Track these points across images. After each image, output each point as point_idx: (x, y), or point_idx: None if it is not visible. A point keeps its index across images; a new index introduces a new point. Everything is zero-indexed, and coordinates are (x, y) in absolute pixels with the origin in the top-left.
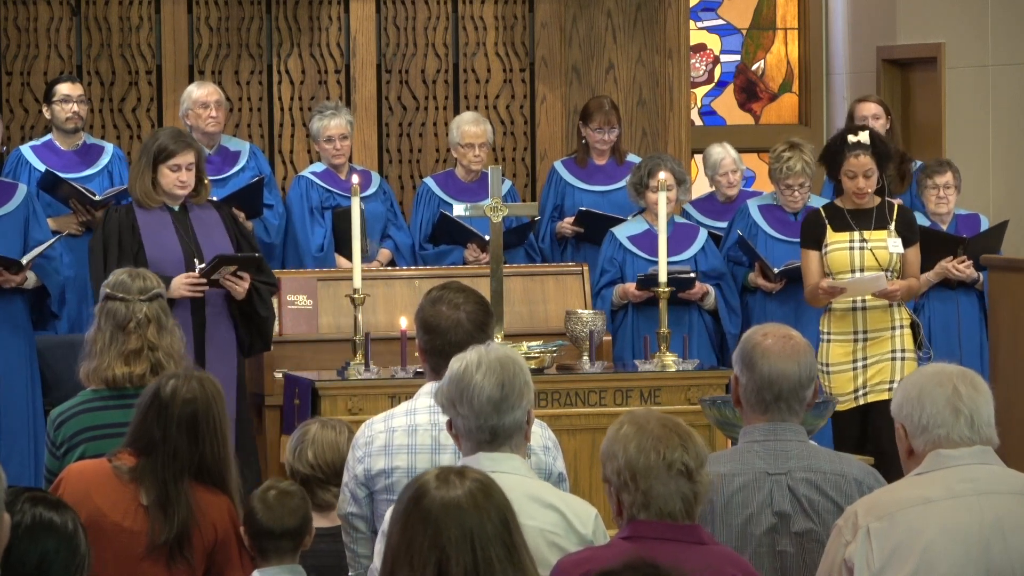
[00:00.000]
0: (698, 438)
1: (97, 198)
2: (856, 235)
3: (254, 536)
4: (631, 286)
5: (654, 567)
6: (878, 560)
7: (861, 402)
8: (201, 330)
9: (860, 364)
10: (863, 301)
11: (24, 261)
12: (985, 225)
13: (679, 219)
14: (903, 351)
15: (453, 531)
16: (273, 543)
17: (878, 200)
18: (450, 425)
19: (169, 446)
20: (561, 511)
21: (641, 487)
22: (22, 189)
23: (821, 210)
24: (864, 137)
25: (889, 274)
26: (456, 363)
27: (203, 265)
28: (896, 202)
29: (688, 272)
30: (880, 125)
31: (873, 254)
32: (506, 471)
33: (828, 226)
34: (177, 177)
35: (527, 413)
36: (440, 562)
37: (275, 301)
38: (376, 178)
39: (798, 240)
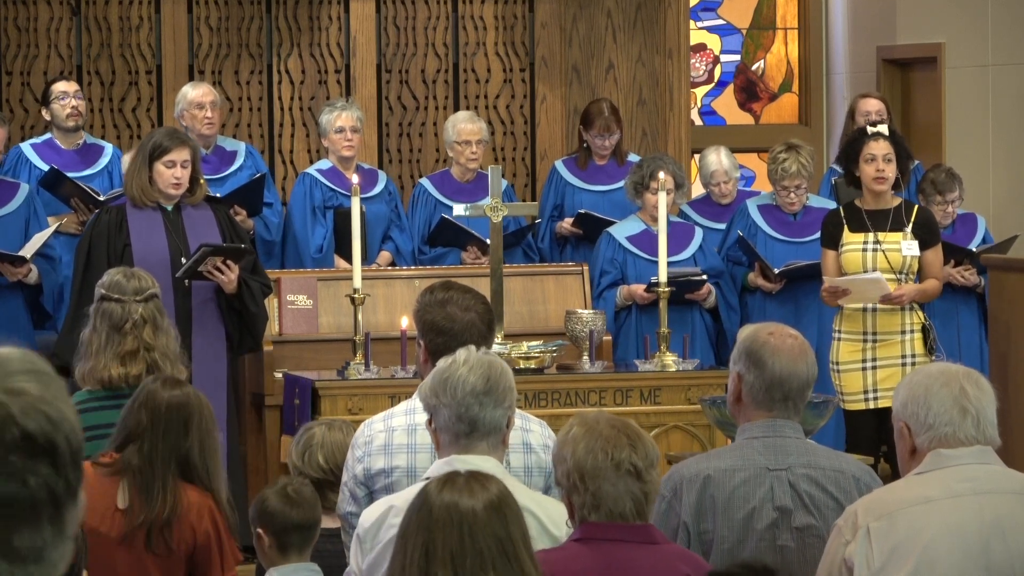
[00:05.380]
0: (648, 438)
1: (101, 198)
2: (871, 236)
3: (278, 533)
4: (638, 288)
5: (769, 570)
6: (878, 559)
7: (872, 405)
8: (187, 321)
9: (869, 365)
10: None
11: (28, 255)
12: (981, 225)
13: (675, 219)
14: (913, 356)
15: (445, 548)
16: (299, 537)
17: (898, 200)
18: (430, 422)
19: (157, 429)
20: (534, 513)
21: (590, 488)
22: (24, 189)
23: (841, 209)
24: (883, 129)
25: (903, 277)
26: (443, 362)
27: (185, 261)
28: (916, 205)
29: (698, 273)
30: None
31: (886, 256)
32: None
33: (845, 226)
34: (172, 174)
35: (508, 418)
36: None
37: (275, 301)
38: (383, 178)
39: (797, 240)
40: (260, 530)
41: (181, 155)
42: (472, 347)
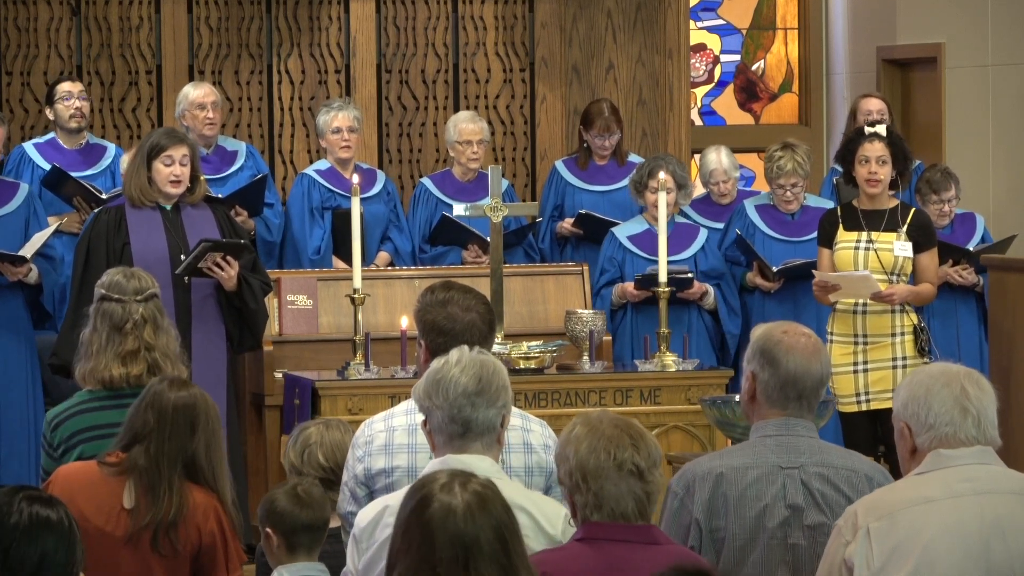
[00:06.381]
0: (651, 438)
1: (104, 196)
2: (864, 235)
3: (287, 533)
4: (629, 285)
5: (702, 571)
6: (878, 560)
7: (864, 408)
8: (187, 318)
9: (861, 367)
10: (863, 304)
11: (28, 255)
12: (980, 224)
13: (679, 219)
14: (904, 359)
15: (448, 551)
16: (308, 537)
17: (895, 202)
18: (425, 423)
19: (164, 430)
20: (530, 512)
21: (592, 488)
22: (23, 189)
23: (838, 209)
24: (880, 129)
25: (894, 278)
26: (436, 363)
27: (185, 258)
28: (913, 207)
29: (685, 272)
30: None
31: (877, 255)
32: None
33: (840, 224)
34: (171, 171)
35: (502, 417)
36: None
37: (275, 301)
38: (381, 177)
39: (795, 239)
40: (269, 530)
41: (179, 151)
42: (465, 347)
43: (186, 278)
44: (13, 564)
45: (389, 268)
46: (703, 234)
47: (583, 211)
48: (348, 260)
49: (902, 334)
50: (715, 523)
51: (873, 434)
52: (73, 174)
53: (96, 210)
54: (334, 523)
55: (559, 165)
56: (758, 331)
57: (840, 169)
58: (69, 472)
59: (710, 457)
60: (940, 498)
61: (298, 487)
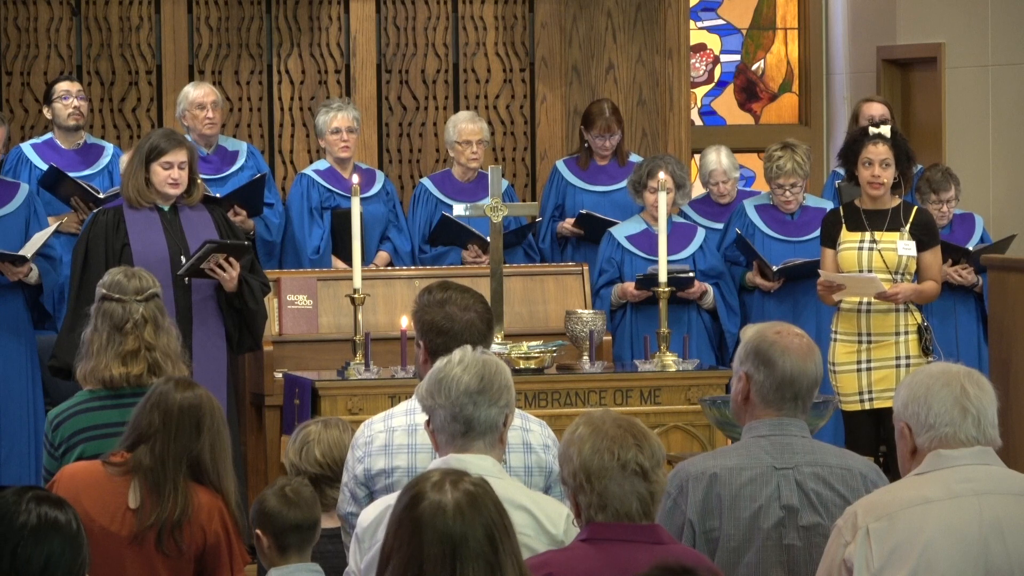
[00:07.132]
0: (654, 438)
1: (101, 195)
2: (867, 235)
3: (277, 534)
4: (629, 285)
5: (687, 570)
6: (877, 560)
7: (867, 406)
8: (188, 318)
9: (864, 366)
10: (868, 303)
11: (28, 254)
12: (979, 225)
13: (677, 218)
14: (908, 358)
15: (435, 548)
16: (297, 537)
17: (897, 201)
18: (428, 423)
19: (169, 430)
20: (532, 512)
21: (596, 488)
22: (24, 189)
23: (840, 209)
24: (885, 130)
25: (898, 277)
26: (439, 362)
27: (186, 259)
28: (915, 206)
29: (687, 271)
30: None
31: (881, 255)
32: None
33: (843, 225)
34: (169, 175)
35: (505, 416)
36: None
37: (275, 301)
38: (380, 177)
39: (795, 239)
40: (259, 531)
41: (178, 157)
42: (468, 347)
43: (186, 279)
44: (19, 564)
45: (389, 268)
46: (701, 234)
47: (584, 211)
48: (347, 260)
49: (906, 333)
50: (709, 524)
51: (875, 434)
52: (71, 174)
53: (94, 211)
54: (333, 523)
55: (560, 165)
56: (749, 332)
57: (842, 172)
58: (74, 472)
59: (703, 457)
60: (939, 498)
61: (286, 487)
